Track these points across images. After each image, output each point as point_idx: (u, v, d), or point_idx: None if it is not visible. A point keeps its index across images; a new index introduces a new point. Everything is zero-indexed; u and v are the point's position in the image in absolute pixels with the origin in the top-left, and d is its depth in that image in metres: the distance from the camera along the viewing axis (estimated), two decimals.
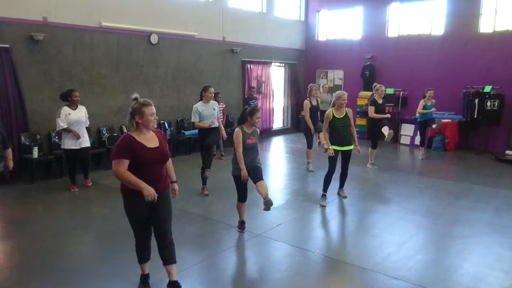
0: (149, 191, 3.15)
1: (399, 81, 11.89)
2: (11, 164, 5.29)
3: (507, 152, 9.79)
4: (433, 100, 9.28)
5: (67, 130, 6.55)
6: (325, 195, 6.19)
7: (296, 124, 13.75)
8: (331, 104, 6.23)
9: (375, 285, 3.83)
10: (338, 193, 6.57)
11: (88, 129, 6.91)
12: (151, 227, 3.49)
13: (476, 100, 10.38)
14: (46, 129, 7.66)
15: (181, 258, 3.98)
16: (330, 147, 6.03)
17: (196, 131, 6.96)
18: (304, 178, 7.87)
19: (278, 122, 13.95)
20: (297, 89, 13.77)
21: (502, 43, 10.39)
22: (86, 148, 6.84)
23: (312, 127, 7.93)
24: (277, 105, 13.71)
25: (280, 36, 13.02)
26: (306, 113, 7.98)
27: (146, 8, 9.18)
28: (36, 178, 7.24)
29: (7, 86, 7.05)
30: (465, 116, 10.82)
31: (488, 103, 10.10)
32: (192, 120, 6.55)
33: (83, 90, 6.88)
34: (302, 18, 14.00)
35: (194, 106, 6.49)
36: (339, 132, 6.07)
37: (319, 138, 9.76)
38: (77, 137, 6.59)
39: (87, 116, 6.87)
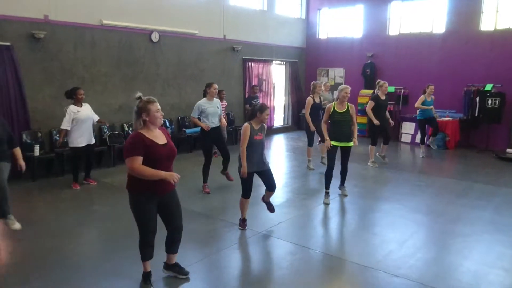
0: (173, 176, 3.30)
1: (400, 79, 11.86)
2: (22, 163, 5.08)
3: (508, 150, 9.78)
4: (432, 97, 9.26)
5: (65, 131, 6.57)
6: (328, 193, 6.17)
7: (297, 122, 13.76)
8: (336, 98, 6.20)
9: (376, 283, 3.84)
10: (340, 189, 6.57)
11: (100, 120, 7.09)
12: (156, 225, 3.52)
13: (477, 98, 10.36)
14: (47, 127, 7.68)
15: (182, 256, 4.01)
16: (328, 139, 6.02)
17: (198, 129, 6.94)
18: (305, 176, 7.87)
19: (279, 120, 13.95)
20: (298, 87, 13.76)
21: (503, 41, 10.37)
22: (93, 144, 6.98)
23: (311, 124, 7.88)
24: (278, 103, 13.70)
25: (281, 34, 13.00)
26: (307, 110, 7.91)
27: (147, 6, 9.18)
28: (38, 176, 7.25)
29: (8, 84, 7.06)
30: (466, 114, 10.81)
31: (489, 101, 10.09)
32: (191, 115, 6.56)
33: (84, 88, 6.88)
34: (303, 16, 13.97)
35: (198, 102, 6.47)
36: (338, 126, 6.00)
37: (319, 143, 9.21)
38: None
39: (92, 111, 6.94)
